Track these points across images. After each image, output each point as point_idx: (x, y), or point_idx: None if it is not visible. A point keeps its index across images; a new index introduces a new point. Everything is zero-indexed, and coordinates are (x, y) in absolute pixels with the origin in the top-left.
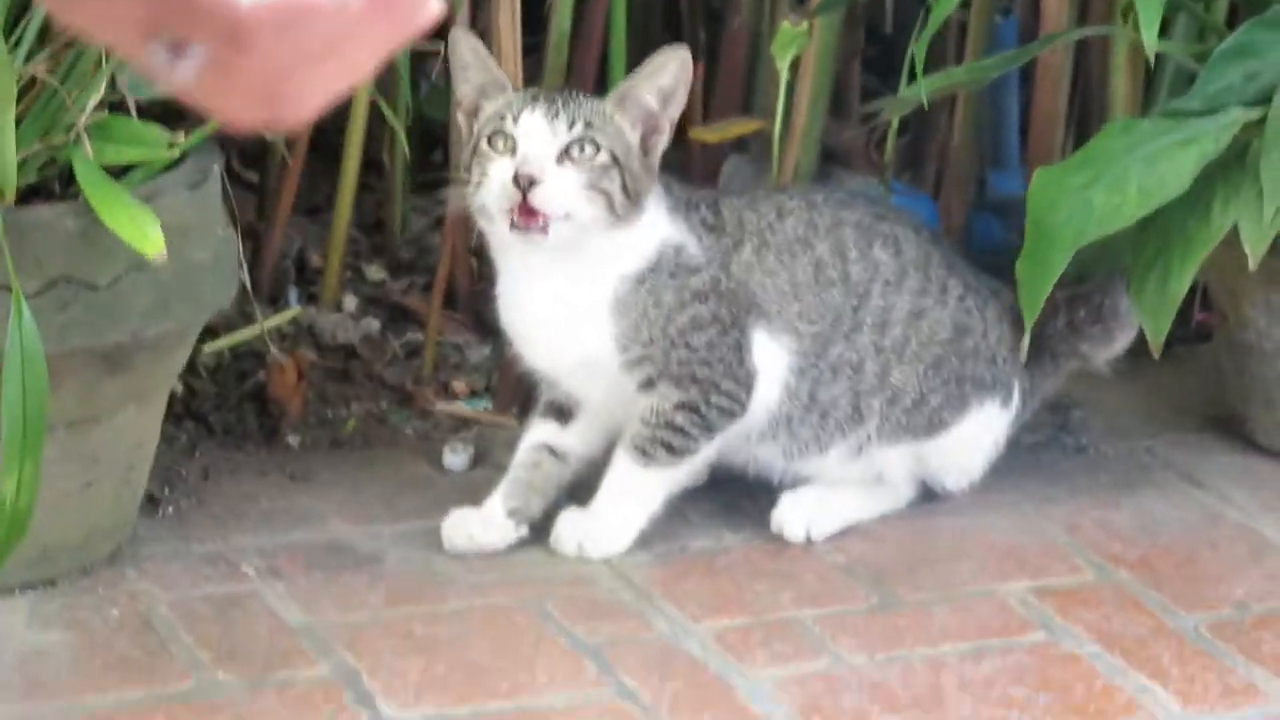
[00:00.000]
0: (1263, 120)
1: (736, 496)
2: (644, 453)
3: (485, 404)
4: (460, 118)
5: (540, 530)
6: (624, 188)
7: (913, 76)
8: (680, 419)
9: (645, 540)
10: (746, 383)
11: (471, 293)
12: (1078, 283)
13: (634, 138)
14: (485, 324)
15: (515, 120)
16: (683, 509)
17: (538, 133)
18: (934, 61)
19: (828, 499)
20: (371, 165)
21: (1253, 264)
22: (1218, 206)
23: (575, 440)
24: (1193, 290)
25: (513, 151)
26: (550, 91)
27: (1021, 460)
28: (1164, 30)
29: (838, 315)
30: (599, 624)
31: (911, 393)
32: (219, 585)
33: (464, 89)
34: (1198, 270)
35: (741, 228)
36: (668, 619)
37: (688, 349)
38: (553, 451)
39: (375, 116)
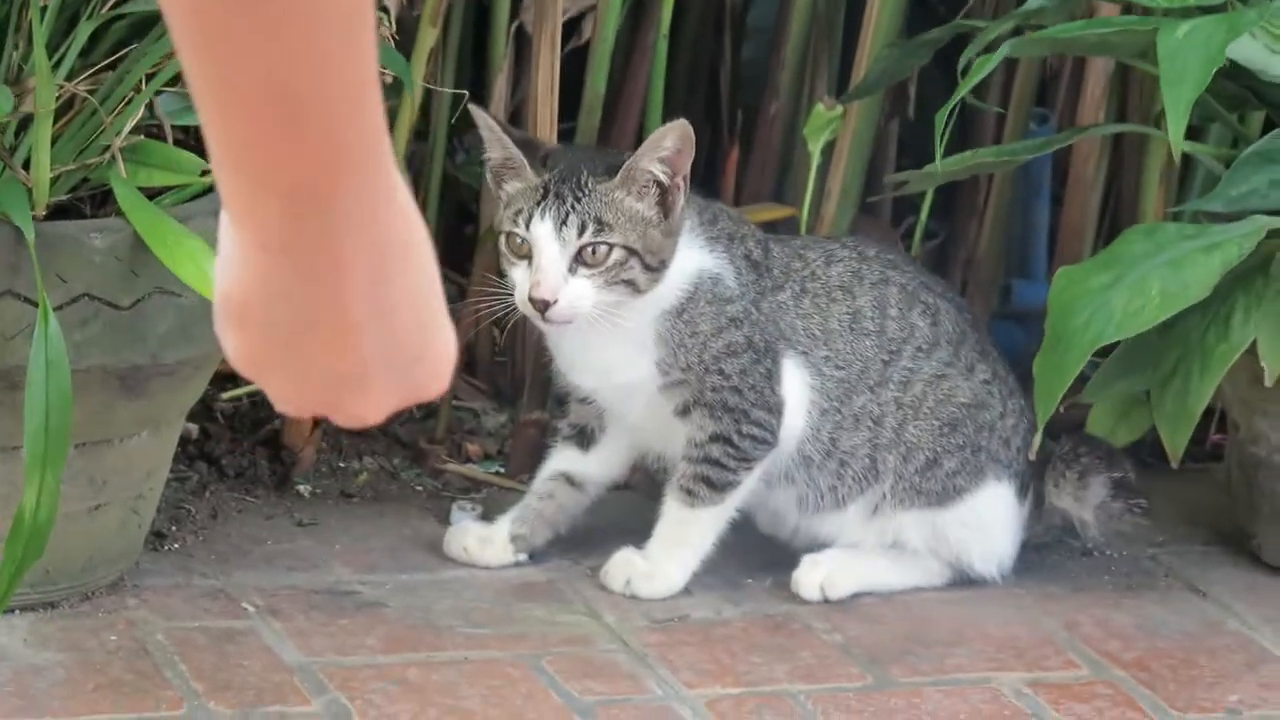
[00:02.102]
0: None
1: (740, 574)
2: (689, 492)
3: (497, 467)
4: (488, 176)
5: (543, 588)
6: (645, 267)
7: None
8: (716, 452)
9: (646, 608)
10: (777, 410)
11: (492, 362)
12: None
13: (650, 212)
14: (503, 392)
15: (527, 225)
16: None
17: (547, 245)
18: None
19: (849, 560)
20: None
21: (1269, 379)
22: (1238, 318)
23: (596, 467)
24: (1209, 410)
25: (529, 257)
26: (560, 182)
27: (1026, 559)
28: (1197, 139)
29: (866, 365)
30: (592, 683)
31: (926, 450)
32: (218, 619)
33: (490, 156)
34: (1218, 384)
35: (786, 273)
36: (661, 683)
37: (720, 375)
38: (571, 481)
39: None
